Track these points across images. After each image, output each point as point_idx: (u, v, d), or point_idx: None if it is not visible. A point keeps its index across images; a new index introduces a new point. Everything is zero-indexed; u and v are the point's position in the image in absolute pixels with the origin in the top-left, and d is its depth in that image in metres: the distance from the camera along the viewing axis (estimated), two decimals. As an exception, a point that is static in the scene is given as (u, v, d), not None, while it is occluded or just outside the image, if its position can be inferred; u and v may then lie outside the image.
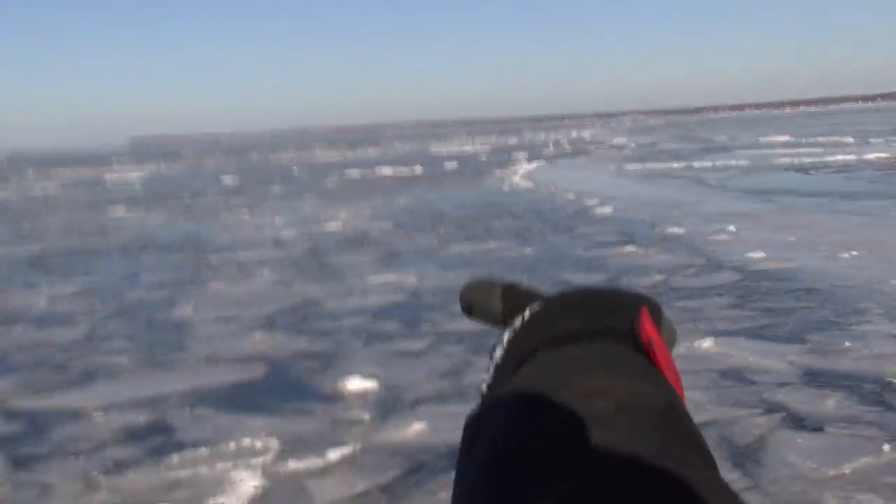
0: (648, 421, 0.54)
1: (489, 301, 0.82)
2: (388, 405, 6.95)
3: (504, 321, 0.78)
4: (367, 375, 7.63)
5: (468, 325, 7.71)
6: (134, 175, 52.96)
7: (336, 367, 8.12)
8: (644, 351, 0.64)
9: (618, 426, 0.53)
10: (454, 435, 6.31)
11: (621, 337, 0.65)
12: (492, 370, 0.70)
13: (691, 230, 15.46)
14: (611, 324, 0.67)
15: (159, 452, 6.14)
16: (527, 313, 0.73)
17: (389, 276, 12.72)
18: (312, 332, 9.65)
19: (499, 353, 0.70)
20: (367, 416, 6.69)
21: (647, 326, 0.65)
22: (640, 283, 10.94)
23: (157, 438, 6.49)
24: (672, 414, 0.56)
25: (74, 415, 7.08)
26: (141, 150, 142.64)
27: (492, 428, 0.58)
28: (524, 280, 1.05)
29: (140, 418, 6.96)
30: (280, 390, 7.60)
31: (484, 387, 0.70)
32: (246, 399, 7.38)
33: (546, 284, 11.39)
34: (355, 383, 7.46)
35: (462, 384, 7.37)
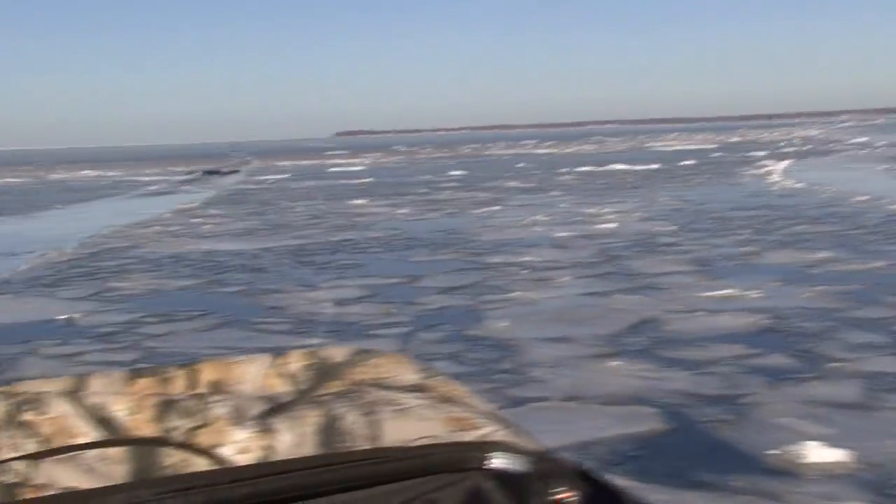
0: None
1: None
2: None
3: None
4: (816, 439, 5.56)
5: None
6: (356, 167, 52.79)
7: (756, 421, 6.12)
8: None
9: None
10: None
11: None
12: None
13: None
14: None
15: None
16: None
17: (725, 291, 10.62)
18: (682, 364, 7.67)
19: None
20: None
21: None
22: None
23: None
24: None
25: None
26: (350, 145, 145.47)
27: None
28: None
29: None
30: (704, 453, 5.66)
31: None
32: (667, 464, 5.47)
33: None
34: (812, 452, 5.40)
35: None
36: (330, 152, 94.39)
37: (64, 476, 1.10)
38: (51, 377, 1.35)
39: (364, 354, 1.43)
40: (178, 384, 1.32)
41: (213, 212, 25.41)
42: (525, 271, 12.74)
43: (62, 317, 10.62)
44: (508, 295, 11.06)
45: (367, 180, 38.97)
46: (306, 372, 1.36)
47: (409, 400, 1.29)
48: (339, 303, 10.91)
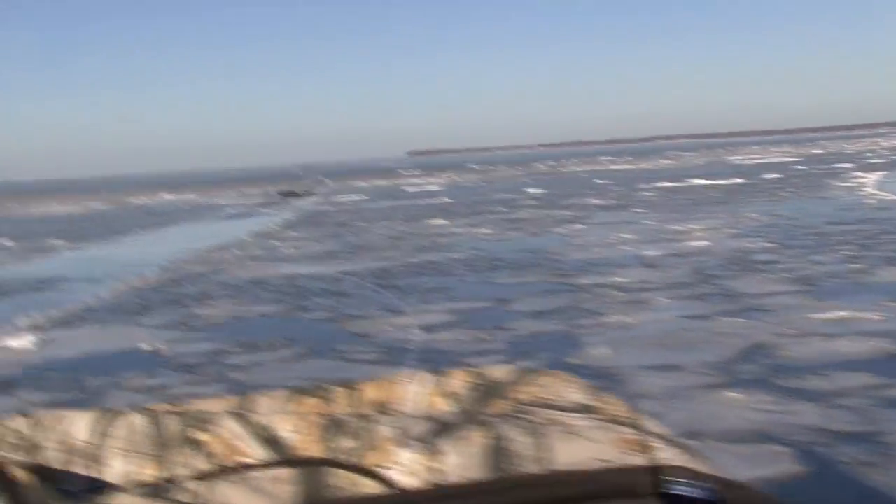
0: None
1: None
2: None
3: None
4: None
5: None
6: (433, 187, 52.58)
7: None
8: None
9: None
10: None
11: None
12: None
13: None
14: None
15: None
16: None
17: (839, 313, 9.94)
18: (806, 395, 7.07)
19: None
20: None
21: None
22: None
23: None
24: None
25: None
26: (424, 164, 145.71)
27: None
28: None
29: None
30: (852, 502, 5.08)
31: None
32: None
33: None
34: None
35: None
36: (404, 171, 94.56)
37: (235, 496, 1.11)
38: (219, 396, 1.38)
39: (529, 373, 1.41)
40: (341, 403, 1.33)
41: (292, 234, 25.30)
42: (618, 293, 12.17)
43: (146, 346, 10.40)
44: (603, 318, 10.53)
45: (445, 200, 38.67)
46: (470, 391, 1.35)
47: (578, 421, 1.24)
48: (428, 329, 10.49)
